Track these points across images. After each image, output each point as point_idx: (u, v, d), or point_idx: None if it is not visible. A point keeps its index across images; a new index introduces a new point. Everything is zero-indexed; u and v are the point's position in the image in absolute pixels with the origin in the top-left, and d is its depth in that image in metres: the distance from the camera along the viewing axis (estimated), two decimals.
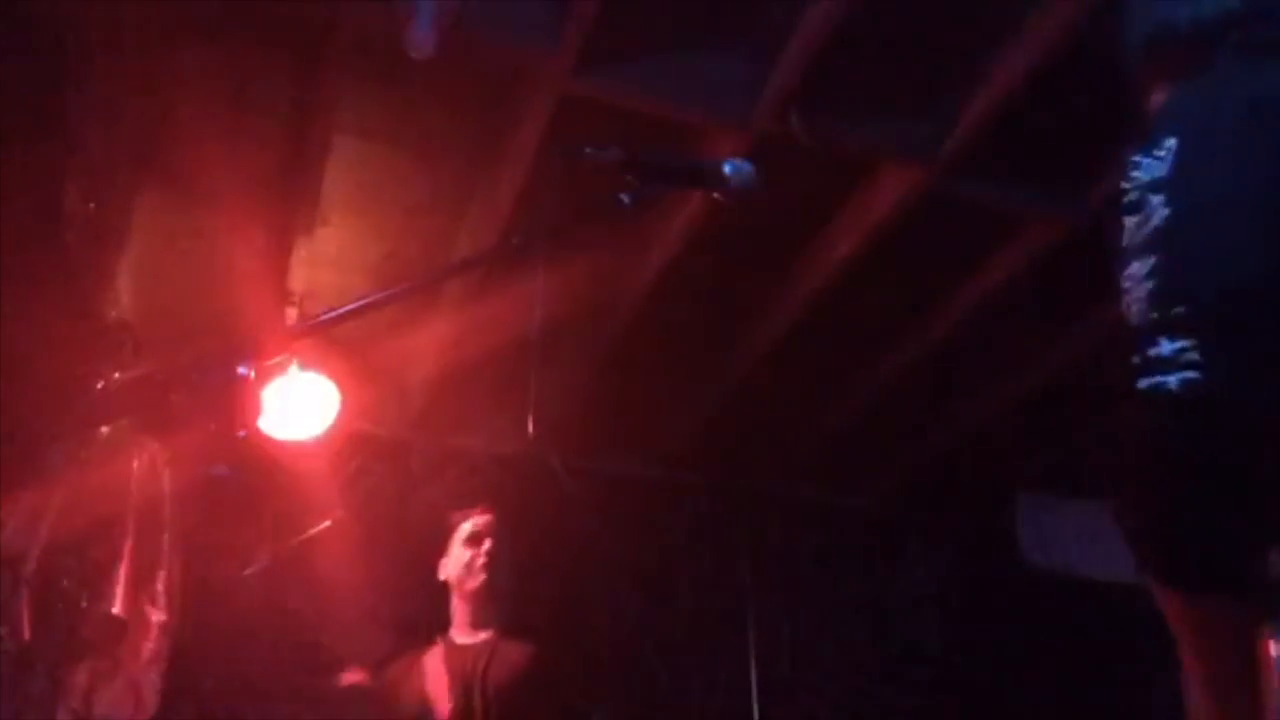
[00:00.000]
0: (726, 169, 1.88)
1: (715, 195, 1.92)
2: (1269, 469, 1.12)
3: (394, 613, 4.56)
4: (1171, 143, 1.22)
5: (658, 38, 3.32)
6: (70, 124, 3.01)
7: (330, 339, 3.89)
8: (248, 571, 3.97)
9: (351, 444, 4.64)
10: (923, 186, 3.64)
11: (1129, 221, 1.22)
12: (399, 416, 4.90)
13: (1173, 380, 1.12)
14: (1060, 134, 3.54)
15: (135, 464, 3.51)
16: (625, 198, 1.78)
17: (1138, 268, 1.19)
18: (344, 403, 4.11)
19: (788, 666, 5.32)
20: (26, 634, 2.98)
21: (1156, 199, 1.20)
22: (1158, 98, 1.37)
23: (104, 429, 3.09)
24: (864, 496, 5.61)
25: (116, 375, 3.25)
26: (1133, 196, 1.23)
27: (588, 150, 1.84)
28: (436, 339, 4.43)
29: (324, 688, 3.45)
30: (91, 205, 3.10)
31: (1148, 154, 1.24)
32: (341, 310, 1.68)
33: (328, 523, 4.06)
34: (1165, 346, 1.13)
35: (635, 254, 4.11)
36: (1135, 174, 1.24)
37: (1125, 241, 1.22)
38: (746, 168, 1.91)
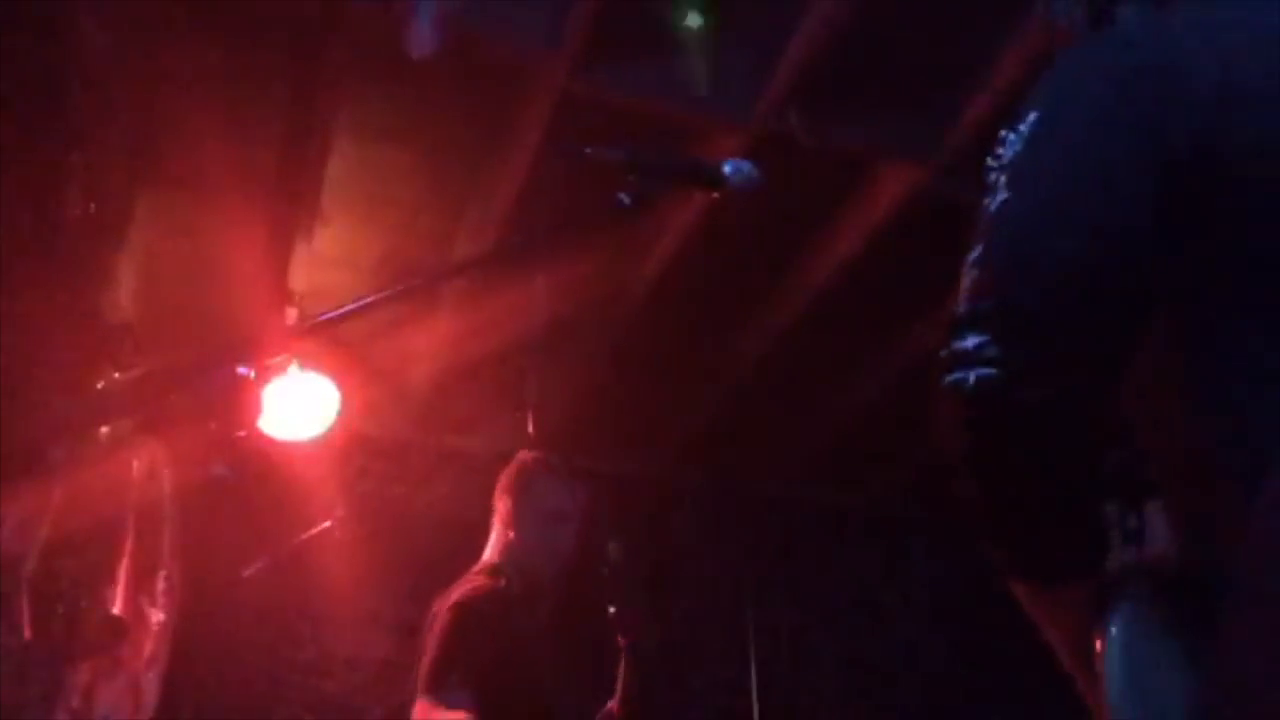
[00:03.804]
0: (726, 169, 1.88)
1: (715, 195, 1.92)
2: (1070, 460, 1.12)
3: (394, 613, 4.57)
4: (1032, 116, 1.15)
5: (658, 38, 3.32)
6: (70, 124, 3.01)
7: (330, 339, 3.89)
8: (247, 572, 3.96)
9: (351, 444, 4.64)
10: (923, 186, 3.64)
11: (984, 204, 1.16)
12: (399, 416, 4.90)
13: (970, 376, 1.11)
14: None
15: (135, 464, 3.51)
16: (625, 198, 1.78)
17: (970, 254, 1.14)
18: (344, 403, 4.11)
19: (788, 666, 5.32)
20: (26, 634, 2.98)
21: (1002, 179, 1.14)
22: None
23: (104, 429, 3.08)
24: (864, 496, 5.61)
25: (116, 375, 3.25)
26: (991, 178, 1.16)
27: (588, 150, 1.84)
28: (436, 339, 4.43)
29: None
30: (91, 205, 3.10)
31: (1013, 129, 1.16)
32: (341, 310, 1.68)
33: (328, 523, 4.06)
34: (970, 341, 1.11)
35: (635, 254, 4.11)
36: (1000, 152, 1.16)
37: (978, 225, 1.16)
38: (746, 168, 1.91)
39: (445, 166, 3.80)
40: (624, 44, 3.27)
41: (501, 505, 3.26)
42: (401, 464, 5.02)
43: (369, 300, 1.71)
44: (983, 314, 1.11)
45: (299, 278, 4.06)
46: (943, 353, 1.14)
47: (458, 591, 3.06)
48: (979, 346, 1.10)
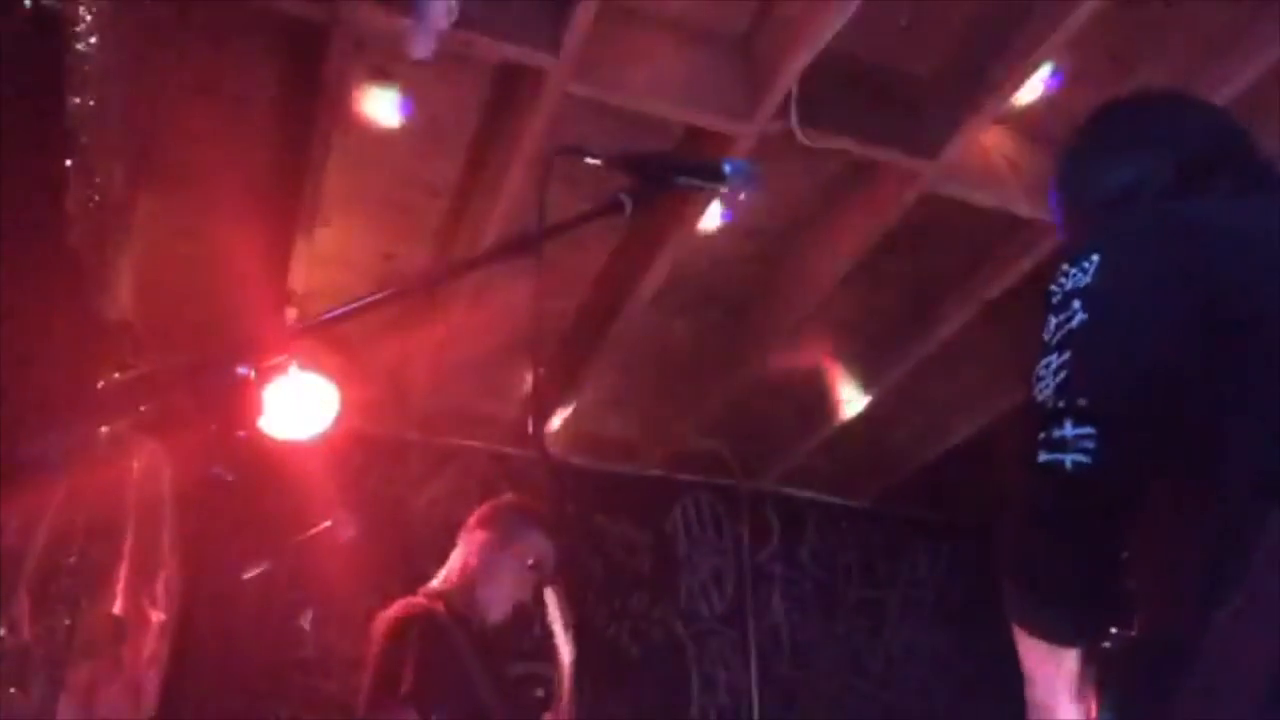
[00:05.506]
0: (726, 169, 1.89)
1: (715, 195, 1.92)
2: (1122, 545, 1.38)
3: None
4: (1095, 258, 1.48)
5: (658, 38, 3.32)
6: (70, 125, 3.00)
7: (330, 339, 3.89)
8: (247, 573, 3.96)
9: (351, 444, 4.64)
10: (923, 186, 3.64)
11: (1053, 319, 1.47)
12: (399, 416, 4.90)
13: (1068, 460, 1.36)
14: (1062, 135, 3.54)
15: (135, 464, 3.51)
16: (625, 198, 1.78)
17: (1054, 359, 1.43)
18: (344, 403, 4.11)
19: (788, 666, 5.32)
20: (26, 634, 2.98)
21: (1077, 303, 1.45)
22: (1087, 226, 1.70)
23: (104, 429, 3.08)
24: (864, 496, 5.62)
25: (116, 375, 3.25)
26: (1059, 298, 1.48)
27: (588, 150, 1.84)
28: (436, 339, 4.43)
29: None
30: (91, 205, 3.09)
31: (1076, 265, 1.49)
32: (341, 310, 1.68)
33: (328, 523, 4.06)
34: (1069, 430, 1.37)
35: (636, 254, 4.11)
36: (1063, 280, 1.50)
37: (1048, 337, 1.46)
38: (746, 168, 1.92)
39: (445, 166, 3.80)
40: (624, 45, 3.27)
41: (478, 535, 3.30)
42: (401, 463, 5.02)
43: (369, 300, 1.71)
44: (1083, 410, 1.37)
45: (299, 278, 4.06)
46: (1040, 436, 1.39)
47: (395, 608, 3.11)
48: (1079, 438, 1.36)
